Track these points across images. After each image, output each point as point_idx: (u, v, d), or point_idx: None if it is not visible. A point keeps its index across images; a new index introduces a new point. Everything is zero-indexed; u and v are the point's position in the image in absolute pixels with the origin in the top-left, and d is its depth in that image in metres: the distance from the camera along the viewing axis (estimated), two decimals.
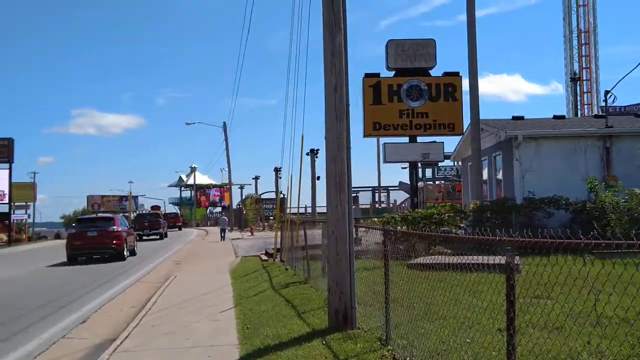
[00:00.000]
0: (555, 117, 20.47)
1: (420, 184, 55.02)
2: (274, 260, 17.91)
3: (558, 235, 3.63)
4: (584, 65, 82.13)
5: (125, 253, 22.31)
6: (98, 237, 21.87)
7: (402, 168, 52.22)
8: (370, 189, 67.75)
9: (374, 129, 20.55)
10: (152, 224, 42.08)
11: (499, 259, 6.04)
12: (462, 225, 17.75)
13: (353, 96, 7.65)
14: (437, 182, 58.44)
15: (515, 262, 12.32)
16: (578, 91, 68.88)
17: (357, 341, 6.79)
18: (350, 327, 7.34)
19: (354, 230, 7.68)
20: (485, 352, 5.97)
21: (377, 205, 60.62)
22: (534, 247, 3.81)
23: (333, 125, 7.48)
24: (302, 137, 13.48)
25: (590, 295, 4.54)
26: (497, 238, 4.20)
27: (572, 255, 4.98)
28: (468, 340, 6.33)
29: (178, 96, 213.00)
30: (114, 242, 21.90)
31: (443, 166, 68.57)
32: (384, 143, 21.06)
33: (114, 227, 22.43)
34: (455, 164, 33.68)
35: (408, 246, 9.91)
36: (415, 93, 20.51)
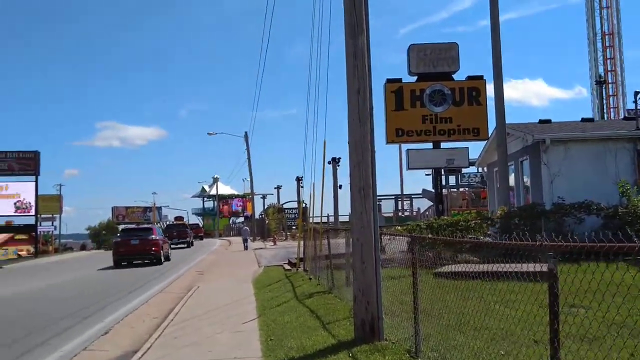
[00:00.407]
0: (583, 119, 19.96)
1: (444, 191, 54.45)
2: (297, 269, 17.68)
3: (599, 239, 3.40)
4: (609, 68, 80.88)
5: (162, 258, 25.30)
6: (140, 244, 24.75)
7: (426, 175, 51.70)
8: (393, 197, 67.29)
9: (396, 135, 20.25)
10: (180, 234, 45.66)
11: (532, 267, 5.78)
12: (488, 232, 17.32)
13: (375, 103, 7.43)
14: (460, 190, 57.73)
15: (543, 269, 11.75)
16: (604, 94, 67.67)
17: (384, 353, 6.51)
18: (378, 338, 7.06)
19: (379, 237, 7.42)
20: None
21: (400, 214, 60.10)
22: (579, 253, 3.52)
23: (356, 129, 7.25)
24: (324, 143, 13.30)
25: (634, 303, 4.24)
26: (538, 243, 3.92)
27: (604, 261, 4.73)
28: (502, 353, 6.01)
29: (199, 108, 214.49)
30: (153, 249, 24.93)
31: (467, 173, 67.71)
32: (407, 149, 20.73)
33: (153, 236, 25.48)
34: (480, 170, 33.07)
35: (434, 254, 9.63)
36: (439, 98, 20.19)
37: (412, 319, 6.95)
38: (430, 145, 20.51)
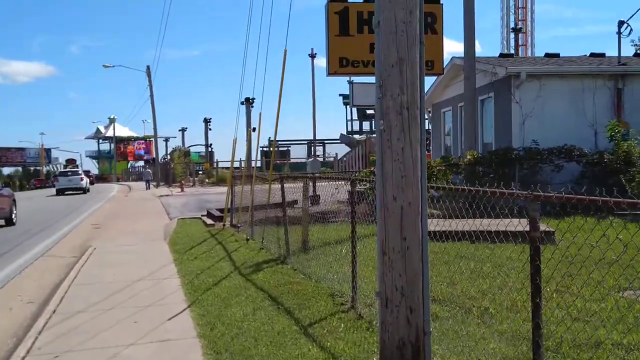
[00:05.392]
0: (547, 54, 17.71)
1: (359, 137, 52.22)
2: (224, 225, 14.28)
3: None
4: (520, 17, 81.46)
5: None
6: None
7: (365, 116, 49.10)
8: (306, 142, 64.54)
9: (340, 65, 16.76)
10: None
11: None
12: (449, 180, 14.81)
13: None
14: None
15: (548, 229, 8.55)
16: (513, 44, 67.83)
17: None
18: None
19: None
20: None
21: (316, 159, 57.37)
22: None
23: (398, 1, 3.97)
24: (285, 52, 9.87)
25: None
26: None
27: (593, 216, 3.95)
28: None
29: (93, 45, 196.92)
30: None
31: None
32: (353, 82, 17.63)
33: None
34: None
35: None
36: None
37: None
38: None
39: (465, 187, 4.33)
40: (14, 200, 18.38)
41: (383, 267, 4.12)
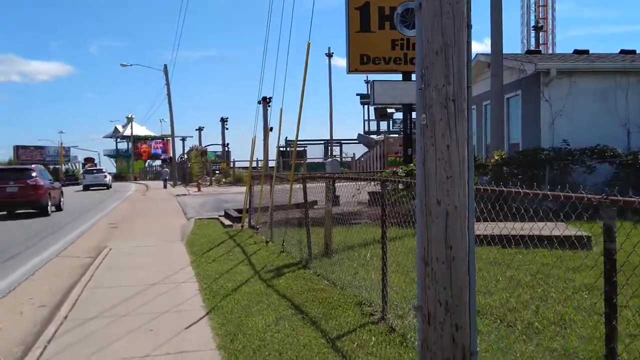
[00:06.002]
0: (576, 51, 17.07)
1: (377, 137, 51.62)
2: (242, 226, 13.90)
3: None
4: (540, 16, 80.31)
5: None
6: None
7: (389, 112, 48.56)
8: (323, 142, 64.07)
9: (361, 62, 16.61)
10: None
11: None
12: (476, 181, 14.29)
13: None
14: (397, 136, 55.14)
15: (582, 233, 7.81)
16: (533, 43, 66.69)
17: None
18: None
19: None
20: None
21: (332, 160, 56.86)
22: None
23: None
24: (309, 45, 9.42)
25: None
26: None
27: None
28: None
29: (111, 45, 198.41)
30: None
31: (398, 119, 65.53)
32: (373, 81, 17.21)
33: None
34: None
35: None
36: (412, 18, 16.56)
37: None
38: (399, 76, 17.11)
39: (521, 190, 3.88)
40: (62, 192, 23.73)
41: (425, 279, 3.68)
